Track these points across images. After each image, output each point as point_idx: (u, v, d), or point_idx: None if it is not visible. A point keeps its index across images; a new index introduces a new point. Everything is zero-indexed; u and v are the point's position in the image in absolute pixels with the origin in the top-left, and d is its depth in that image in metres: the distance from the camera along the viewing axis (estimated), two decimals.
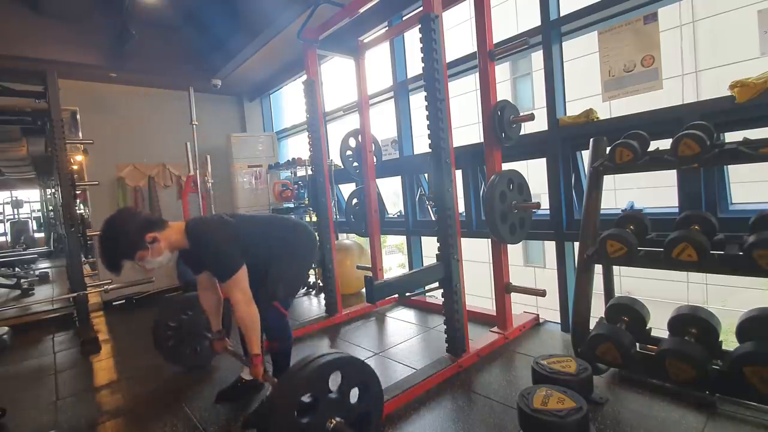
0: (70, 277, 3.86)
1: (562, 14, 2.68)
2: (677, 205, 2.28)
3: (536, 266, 9.60)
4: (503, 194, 2.48)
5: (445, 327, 2.32)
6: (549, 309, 3.46)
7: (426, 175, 3.80)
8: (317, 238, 2.41)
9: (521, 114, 2.61)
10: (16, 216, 11.63)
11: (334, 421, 1.41)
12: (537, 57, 4.64)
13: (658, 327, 2.03)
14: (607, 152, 2.11)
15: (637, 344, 1.92)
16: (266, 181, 5.34)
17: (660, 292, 7.28)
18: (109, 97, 4.85)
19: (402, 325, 3.15)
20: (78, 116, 4.23)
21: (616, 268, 2.23)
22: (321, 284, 3.91)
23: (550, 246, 2.91)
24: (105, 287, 3.70)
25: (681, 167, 1.90)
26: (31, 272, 6.56)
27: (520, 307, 3.02)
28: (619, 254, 1.93)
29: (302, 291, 4.40)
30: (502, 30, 3.27)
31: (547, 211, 2.83)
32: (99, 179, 4.08)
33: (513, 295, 2.70)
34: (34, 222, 11.79)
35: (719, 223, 1.92)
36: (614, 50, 2.43)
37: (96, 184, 3.94)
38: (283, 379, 1.47)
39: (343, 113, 4.53)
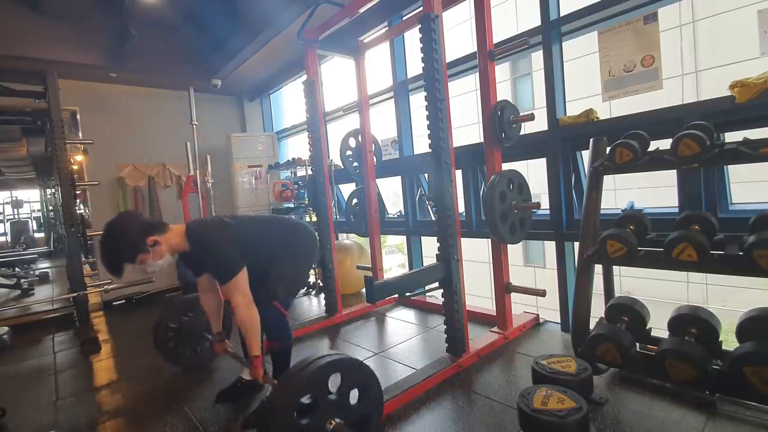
0: (70, 277, 3.86)
1: (562, 14, 2.68)
2: (677, 205, 2.28)
3: (536, 266, 9.60)
4: (503, 194, 2.48)
5: (445, 327, 2.32)
6: (549, 309, 3.46)
7: (426, 175, 3.80)
8: (317, 238, 2.41)
9: (521, 114, 2.61)
10: (16, 216, 11.63)
11: (334, 422, 1.41)
12: (537, 57, 4.64)
13: (658, 327, 2.03)
14: (607, 152, 2.11)
15: (637, 344, 1.92)
16: (266, 181, 5.34)
17: (660, 292, 7.28)
18: (109, 97, 4.85)
19: (402, 325, 3.15)
20: (78, 116, 4.23)
21: (616, 268, 2.23)
22: (321, 284, 3.91)
23: (550, 246, 2.91)
24: (105, 287, 3.70)
25: (681, 167, 1.90)
26: (31, 272, 6.56)
27: (520, 307, 3.02)
28: (619, 254, 1.93)
29: (302, 291, 4.40)
30: (502, 30, 3.27)
31: (547, 211, 2.83)
32: (99, 179, 4.08)
33: (513, 295, 2.70)
34: (34, 222, 11.79)
35: (719, 223, 1.92)
36: (614, 50, 2.43)
37: (96, 184, 3.94)
38: (283, 380, 1.47)
39: (343, 113, 4.53)
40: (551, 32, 2.67)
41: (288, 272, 2.06)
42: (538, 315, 2.90)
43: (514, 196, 2.56)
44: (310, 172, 4.18)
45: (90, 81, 4.67)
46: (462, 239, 2.37)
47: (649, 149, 2.04)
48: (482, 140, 2.66)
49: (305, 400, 1.40)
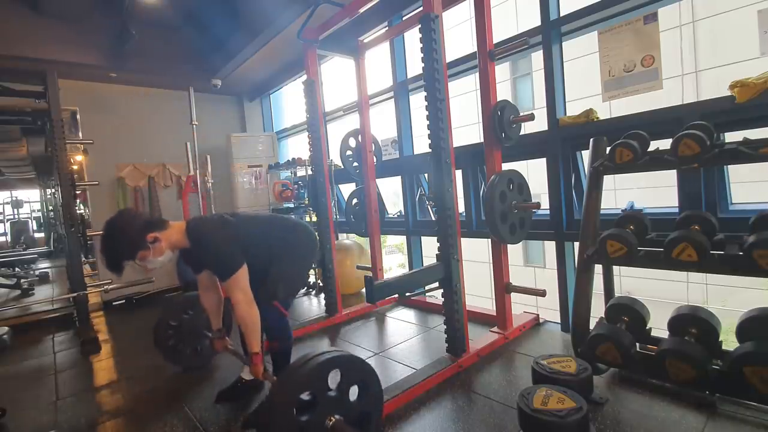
0: (70, 277, 3.86)
1: (562, 14, 2.68)
2: (677, 205, 2.28)
3: (536, 266, 9.60)
4: (503, 194, 2.48)
5: (445, 327, 2.32)
6: (549, 309, 3.46)
7: (426, 175, 3.80)
8: (317, 238, 2.41)
9: (521, 114, 2.61)
10: (16, 216, 11.63)
11: (334, 419, 1.41)
12: (537, 57, 4.64)
13: (658, 327, 2.03)
14: (607, 152, 2.11)
15: (637, 344, 1.92)
16: (266, 181, 5.34)
17: (660, 292, 7.27)
18: (109, 97, 4.85)
19: (402, 325, 3.15)
20: (78, 116, 4.23)
21: (616, 268, 2.23)
22: (321, 284, 3.91)
23: (550, 246, 2.91)
24: (105, 287, 3.70)
25: (681, 167, 1.90)
26: (31, 272, 6.57)
27: (520, 307, 3.02)
28: (619, 254, 1.93)
29: (302, 291, 4.40)
30: (502, 30, 3.27)
31: (547, 211, 2.83)
32: (99, 179, 4.09)
33: (513, 295, 2.70)
34: (34, 222, 11.80)
35: (719, 223, 1.92)
36: (614, 50, 2.43)
37: (96, 184, 3.94)
38: (282, 376, 1.47)
39: (343, 113, 4.53)
40: (551, 32, 2.67)
41: (288, 272, 2.06)
42: (538, 315, 2.90)
43: (514, 196, 2.56)
44: (310, 172, 4.18)
45: (90, 81, 4.67)
46: (462, 239, 2.37)
47: (649, 149, 2.04)
48: (482, 140, 2.66)
49: (305, 396, 1.40)
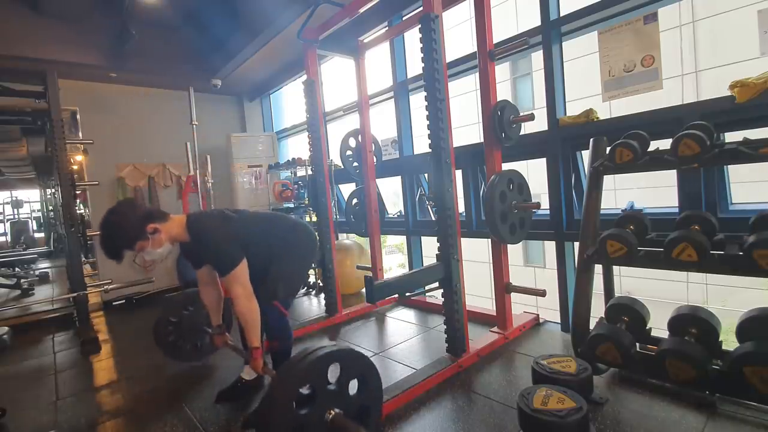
0: (70, 277, 3.86)
1: (562, 14, 2.68)
2: (677, 205, 2.29)
3: (536, 266, 9.60)
4: (503, 194, 2.48)
5: (445, 327, 2.32)
6: (549, 309, 3.46)
7: (426, 175, 3.80)
8: (317, 238, 2.41)
9: (521, 114, 2.61)
10: (16, 216, 11.64)
11: (333, 413, 1.41)
12: (537, 57, 4.64)
13: (658, 327, 2.03)
14: (607, 152, 2.11)
15: (637, 344, 1.92)
16: (266, 181, 5.34)
17: (660, 292, 7.27)
18: (109, 97, 4.85)
19: (402, 325, 3.15)
20: (78, 116, 4.23)
21: (616, 268, 2.23)
22: (321, 284, 3.91)
23: (550, 246, 2.91)
24: (105, 287, 3.70)
25: (681, 167, 1.90)
26: (31, 272, 6.57)
27: (520, 307, 3.02)
28: (619, 254, 1.93)
29: (302, 291, 4.40)
30: (502, 30, 3.27)
31: (547, 211, 2.83)
32: (99, 179, 4.09)
33: (513, 295, 2.70)
34: (34, 222, 11.80)
35: (719, 223, 1.92)
36: (614, 50, 2.43)
37: (96, 184, 3.94)
38: (282, 370, 1.47)
39: (343, 113, 4.53)
40: (551, 32, 2.67)
41: (288, 272, 2.06)
42: (538, 315, 2.90)
43: (514, 196, 2.56)
44: (310, 172, 4.18)
45: (90, 81, 4.67)
46: (462, 239, 2.37)
47: (649, 149, 2.04)
48: (482, 140, 2.66)
49: (304, 390, 1.40)
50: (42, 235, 11.41)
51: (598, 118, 2.55)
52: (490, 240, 2.68)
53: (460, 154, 2.79)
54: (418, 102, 3.23)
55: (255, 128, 6.01)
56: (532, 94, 9.50)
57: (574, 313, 2.11)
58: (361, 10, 2.84)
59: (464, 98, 9.99)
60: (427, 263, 2.44)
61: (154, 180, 5.06)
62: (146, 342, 3.27)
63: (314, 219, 3.64)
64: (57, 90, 3.37)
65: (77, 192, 3.73)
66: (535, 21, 2.76)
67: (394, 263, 13.52)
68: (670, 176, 2.27)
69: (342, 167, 3.86)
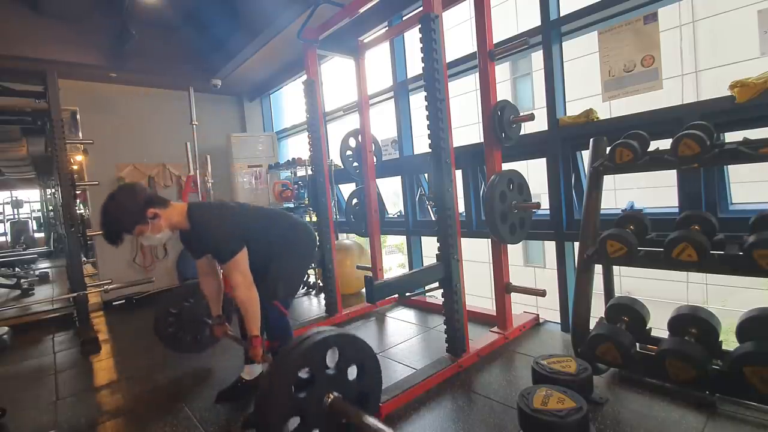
0: (70, 277, 3.86)
1: (562, 14, 2.68)
2: (677, 205, 2.28)
3: (536, 266, 9.60)
4: (503, 194, 2.48)
5: (445, 327, 2.32)
6: (549, 309, 3.46)
7: (426, 175, 3.80)
8: (317, 237, 2.41)
9: (521, 114, 2.61)
10: (16, 216, 11.64)
11: (332, 396, 1.41)
12: (537, 57, 4.64)
13: (658, 327, 2.03)
14: (607, 152, 2.11)
15: (637, 344, 1.92)
16: (266, 181, 5.34)
17: (660, 292, 7.27)
18: (109, 97, 4.85)
19: (402, 325, 3.15)
20: (78, 116, 4.23)
21: (616, 268, 2.23)
22: (321, 284, 3.91)
23: (550, 246, 2.91)
24: (105, 287, 3.70)
25: (681, 167, 1.90)
26: (31, 272, 6.57)
27: (520, 307, 3.02)
28: (619, 254, 1.93)
29: (302, 291, 4.40)
30: (502, 30, 3.27)
31: (547, 211, 2.83)
32: (99, 179, 4.08)
33: (513, 295, 2.70)
34: (34, 222, 11.81)
35: (719, 223, 1.92)
36: (614, 50, 2.43)
37: (96, 184, 3.94)
38: (281, 354, 1.47)
39: (343, 113, 4.53)
40: (551, 32, 2.67)
41: (288, 271, 2.07)
42: (538, 315, 2.90)
43: (514, 196, 2.56)
44: (310, 172, 4.18)
45: (90, 81, 4.67)
46: (462, 239, 2.37)
47: (649, 149, 2.04)
48: (482, 140, 2.66)
49: (303, 375, 1.40)
50: (42, 235, 11.42)
51: (598, 118, 2.55)
52: (490, 240, 2.68)
53: (460, 154, 2.79)
54: (418, 102, 3.23)
55: (255, 128, 6.01)
56: (532, 94, 9.50)
57: (574, 313, 2.11)
58: (361, 10, 2.84)
59: (464, 98, 9.99)
60: (427, 263, 2.44)
61: (154, 180, 5.06)
62: (146, 342, 3.28)
63: (314, 219, 3.64)
64: (57, 90, 3.37)
65: (77, 192, 3.73)
66: (535, 21, 2.76)
67: (394, 263, 13.52)
68: (670, 176, 2.27)
69: (342, 167, 3.86)
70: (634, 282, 8.01)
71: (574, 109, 2.71)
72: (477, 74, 2.68)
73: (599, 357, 1.92)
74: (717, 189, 2.18)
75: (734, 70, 5.70)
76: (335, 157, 4.10)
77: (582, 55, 4.99)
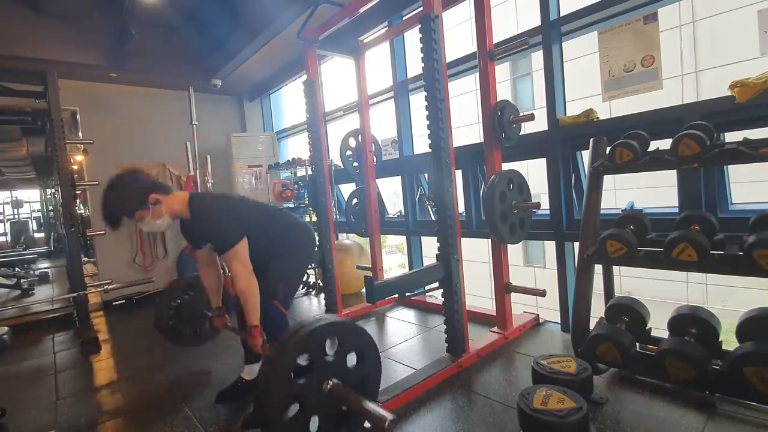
0: (70, 277, 3.86)
1: (562, 14, 2.68)
2: (677, 205, 2.28)
3: (536, 266, 9.60)
4: (503, 194, 2.48)
5: (445, 327, 2.32)
6: (549, 309, 3.46)
7: (426, 175, 3.80)
8: (316, 237, 2.41)
9: (521, 114, 2.61)
10: (16, 216, 11.64)
11: (331, 383, 1.42)
12: (537, 57, 4.64)
13: (658, 327, 2.03)
14: (607, 152, 2.11)
15: (637, 344, 1.92)
16: (266, 181, 5.34)
17: (660, 292, 7.27)
18: (109, 97, 4.85)
19: (402, 325, 3.15)
20: (78, 116, 4.23)
21: (616, 268, 2.23)
22: (321, 284, 3.91)
23: (550, 246, 2.91)
24: (105, 287, 3.70)
25: (681, 167, 1.90)
26: (31, 272, 6.57)
27: (520, 307, 3.02)
28: (619, 254, 1.93)
29: (302, 291, 4.40)
30: (502, 30, 3.27)
31: (547, 211, 2.83)
32: (99, 179, 4.06)
33: (513, 295, 2.70)
34: (34, 222, 11.81)
35: (719, 223, 1.92)
36: (614, 50, 2.43)
37: (96, 184, 3.93)
38: (280, 341, 1.47)
39: (343, 113, 4.53)
40: (551, 32, 2.67)
41: (288, 271, 2.07)
42: (538, 315, 2.90)
43: (514, 196, 2.56)
44: (310, 172, 4.18)
45: (90, 81, 4.67)
46: (462, 239, 2.37)
47: (649, 149, 2.04)
48: (482, 140, 2.66)
49: (302, 362, 1.40)
50: (42, 235, 11.42)
51: (598, 118, 2.55)
52: (490, 240, 2.68)
53: (460, 154, 2.79)
54: (418, 102, 3.23)
55: (255, 128, 6.01)
56: (532, 94, 9.50)
57: (574, 313, 2.11)
58: (361, 10, 2.84)
59: (464, 98, 9.99)
60: (427, 263, 2.44)
61: None
62: (146, 342, 3.29)
63: (314, 219, 3.64)
64: (57, 90, 3.37)
65: (77, 192, 3.73)
66: (535, 21, 2.76)
67: (394, 263, 13.52)
68: (670, 176, 2.27)
69: (342, 167, 3.86)
70: (634, 282, 8.01)
71: (574, 109, 2.71)
72: (477, 74, 2.68)
73: (599, 357, 1.92)
74: (717, 189, 2.18)
75: (734, 70, 5.70)
76: (335, 157, 4.10)
77: (582, 55, 4.99)
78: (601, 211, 2.18)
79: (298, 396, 1.38)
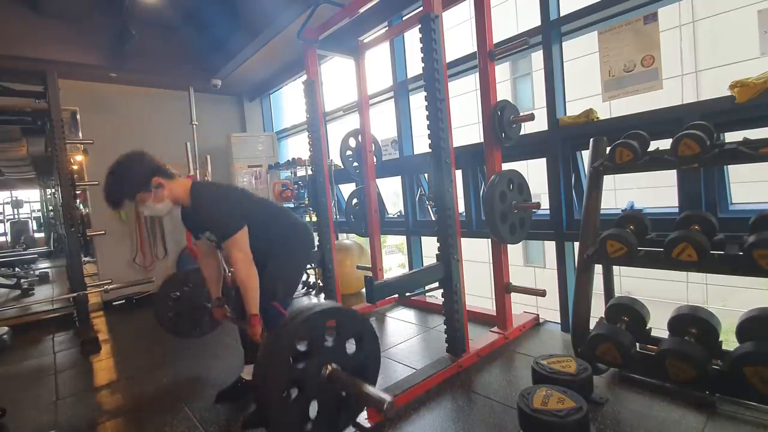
0: (70, 277, 3.86)
1: (562, 14, 2.68)
2: (677, 205, 2.28)
3: (536, 266, 9.60)
4: (503, 194, 2.48)
5: (445, 327, 2.32)
6: (549, 309, 3.46)
7: (426, 175, 3.80)
8: (315, 237, 2.41)
9: (521, 114, 2.61)
10: (16, 216, 11.64)
11: (330, 368, 1.41)
12: (537, 57, 4.64)
13: (658, 327, 2.03)
14: (607, 152, 2.11)
15: (637, 344, 1.92)
16: (266, 181, 5.34)
17: (660, 292, 7.28)
18: (109, 97, 4.85)
19: (402, 325, 3.15)
20: (78, 116, 4.23)
21: (616, 268, 2.23)
22: (321, 284, 3.91)
23: (550, 246, 2.91)
24: (105, 287, 3.71)
25: (681, 167, 1.90)
26: (31, 272, 6.57)
27: (520, 307, 3.02)
28: (619, 254, 1.93)
29: (302, 291, 4.40)
30: (502, 30, 3.27)
31: (547, 211, 2.83)
32: (99, 179, 4.04)
33: (513, 295, 2.70)
34: (34, 222, 11.81)
35: (719, 223, 1.92)
36: (614, 50, 2.43)
37: (96, 184, 3.93)
38: (279, 326, 1.47)
39: (343, 113, 4.53)
40: (551, 32, 2.67)
41: (287, 272, 2.07)
42: (538, 315, 2.90)
43: (514, 196, 2.56)
44: (310, 172, 4.18)
45: (90, 81, 4.66)
46: (462, 239, 2.37)
47: (649, 149, 2.04)
48: (482, 140, 2.66)
49: (301, 348, 1.40)
50: (42, 235, 11.42)
51: (598, 118, 2.55)
52: (490, 240, 2.68)
53: (460, 154, 2.79)
54: (418, 102, 3.23)
55: (255, 128, 6.01)
56: (532, 94, 9.50)
57: (574, 313, 2.11)
58: (361, 10, 2.84)
59: (464, 98, 9.99)
60: (427, 263, 2.44)
61: None
62: (146, 342, 3.29)
63: (314, 219, 3.63)
64: (57, 90, 3.37)
65: (77, 192, 3.73)
66: (535, 21, 2.76)
67: (394, 263, 13.52)
68: (670, 176, 2.27)
69: (342, 167, 3.86)
70: (634, 282, 8.01)
71: (574, 109, 2.71)
72: (477, 74, 2.68)
73: (599, 357, 1.92)
74: (717, 189, 2.18)
75: (734, 70, 5.70)
76: (335, 157, 4.10)
77: (582, 55, 5.00)
78: (601, 211, 2.18)
79: (297, 381, 1.38)
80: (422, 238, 4.00)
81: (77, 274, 3.54)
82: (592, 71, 2.69)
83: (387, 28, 3.60)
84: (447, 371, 2.18)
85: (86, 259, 5.68)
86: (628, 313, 1.99)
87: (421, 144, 2.98)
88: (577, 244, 2.25)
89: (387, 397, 1.28)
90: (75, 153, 4.44)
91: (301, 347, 1.40)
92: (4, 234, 11.21)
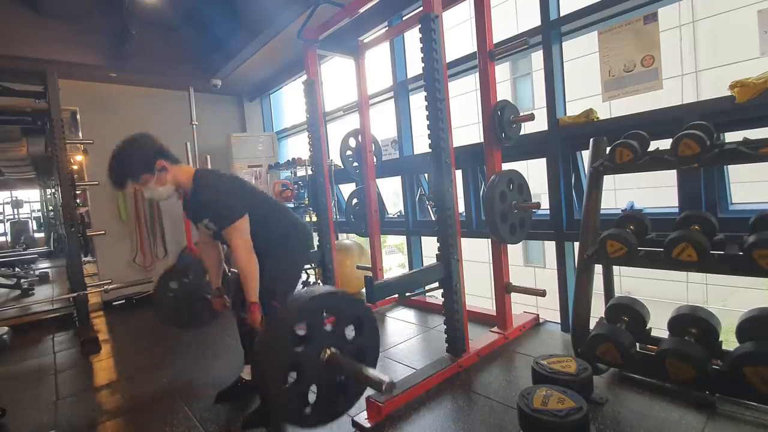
0: (70, 277, 3.86)
1: (562, 14, 2.68)
2: (677, 205, 2.29)
3: (536, 266, 9.60)
4: (503, 194, 2.48)
5: (445, 327, 2.32)
6: (549, 309, 3.46)
7: (426, 175, 3.80)
8: (315, 238, 2.41)
9: (521, 114, 2.61)
10: (16, 216, 11.64)
11: (330, 351, 1.41)
12: (537, 57, 4.64)
13: (658, 327, 2.03)
14: (607, 152, 2.11)
15: (637, 344, 1.92)
16: (266, 181, 5.34)
17: (660, 292, 7.27)
18: (109, 97, 4.85)
19: (402, 325, 3.15)
20: (78, 116, 4.23)
21: (616, 268, 2.23)
22: (321, 284, 3.91)
23: (550, 246, 2.91)
24: (105, 287, 3.71)
25: (681, 167, 1.90)
26: (31, 272, 6.57)
27: (520, 307, 3.02)
28: (619, 254, 1.93)
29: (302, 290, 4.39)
30: (502, 30, 3.27)
31: (547, 211, 2.83)
32: (99, 179, 4.06)
33: (513, 295, 2.70)
34: (34, 222, 11.81)
35: (719, 223, 1.92)
36: (614, 50, 2.43)
37: (96, 184, 3.94)
38: (278, 311, 1.46)
39: (343, 113, 4.54)
40: (551, 32, 2.67)
41: (286, 272, 2.07)
42: (538, 315, 2.90)
43: (514, 196, 2.56)
44: (310, 172, 4.18)
45: (90, 81, 4.66)
46: (462, 239, 2.37)
47: (649, 149, 2.04)
48: (482, 140, 2.66)
49: (300, 332, 1.40)
50: (42, 235, 11.42)
51: (598, 118, 2.55)
52: (490, 240, 2.68)
53: (460, 154, 2.79)
54: (418, 102, 3.23)
55: (255, 128, 6.01)
56: (532, 94, 9.50)
57: (574, 313, 2.11)
58: (361, 10, 2.84)
59: (464, 98, 9.99)
60: (427, 263, 2.44)
61: None
62: (146, 342, 3.29)
63: (314, 219, 3.63)
64: (57, 90, 3.37)
65: (77, 192, 3.73)
66: (535, 21, 2.76)
67: (394, 263, 13.52)
68: (670, 176, 2.27)
69: (342, 167, 3.86)
70: (634, 282, 8.01)
71: (574, 109, 2.71)
72: (477, 74, 2.68)
73: (599, 357, 1.92)
74: (717, 189, 2.18)
75: (734, 70, 5.70)
76: (335, 157, 4.10)
77: (582, 55, 4.99)
78: (601, 211, 2.18)
79: (296, 365, 1.37)
80: (422, 238, 4.00)
81: (77, 274, 3.54)
82: (592, 71, 2.69)
83: (387, 28, 3.60)
84: (447, 371, 2.18)
85: (86, 259, 5.68)
86: (628, 313, 1.99)
87: (421, 144, 2.98)
88: (577, 244, 2.25)
89: (386, 378, 1.28)
90: (75, 153, 4.44)
91: (301, 332, 1.40)
92: (4, 234, 11.21)
